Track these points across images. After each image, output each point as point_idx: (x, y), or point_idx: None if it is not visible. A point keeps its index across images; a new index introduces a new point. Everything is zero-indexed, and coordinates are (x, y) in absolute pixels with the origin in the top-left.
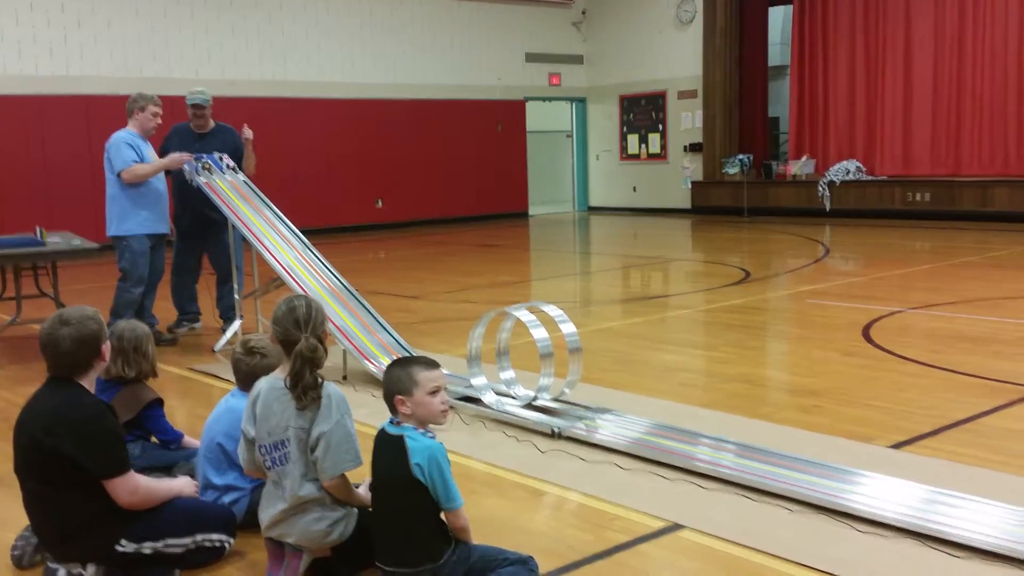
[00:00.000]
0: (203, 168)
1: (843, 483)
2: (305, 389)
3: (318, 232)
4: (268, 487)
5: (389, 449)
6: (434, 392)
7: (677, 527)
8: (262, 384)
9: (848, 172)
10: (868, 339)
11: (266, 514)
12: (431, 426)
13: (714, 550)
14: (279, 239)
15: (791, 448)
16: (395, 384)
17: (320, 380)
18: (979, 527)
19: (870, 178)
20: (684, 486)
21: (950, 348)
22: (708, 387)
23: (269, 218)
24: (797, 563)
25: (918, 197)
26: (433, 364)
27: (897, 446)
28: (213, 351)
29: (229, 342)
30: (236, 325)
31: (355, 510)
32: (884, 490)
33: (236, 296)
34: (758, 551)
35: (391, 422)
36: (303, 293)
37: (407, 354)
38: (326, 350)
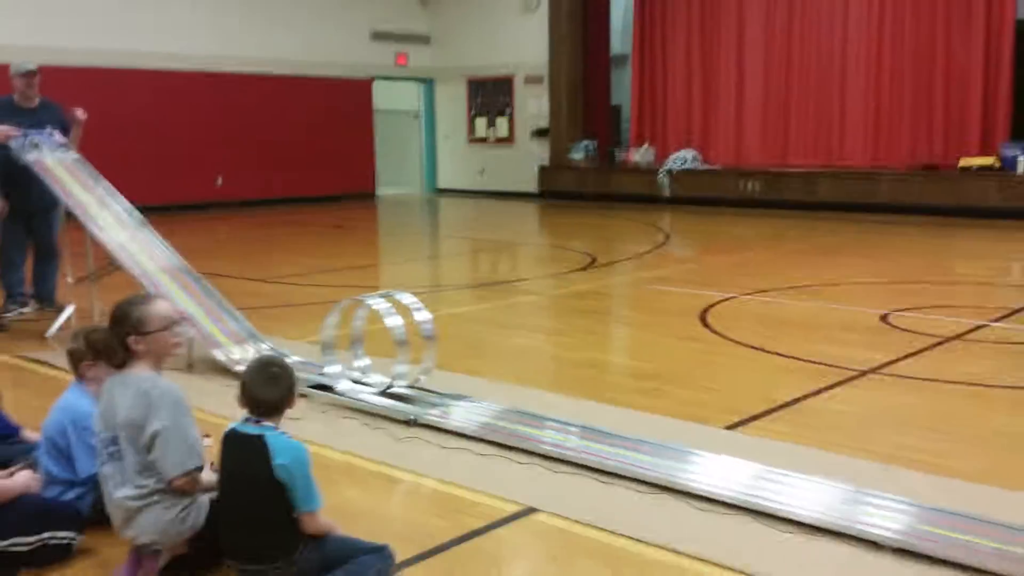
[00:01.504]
0: (32, 145)
1: (681, 463)
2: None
3: (153, 209)
4: (108, 485)
5: (244, 448)
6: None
7: (531, 511)
8: (113, 376)
9: (686, 161)
10: (704, 324)
11: (114, 514)
12: (283, 424)
13: (567, 532)
14: (112, 219)
15: (634, 430)
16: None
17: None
18: (805, 503)
19: (706, 167)
20: (536, 470)
21: (779, 332)
22: (556, 371)
23: (101, 196)
24: (646, 543)
25: (749, 186)
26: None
27: (730, 427)
28: (45, 337)
29: (62, 327)
30: (70, 310)
31: (204, 498)
32: (719, 469)
33: (69, 279)
34: (609, 532)
35: (244, 421)
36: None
37: (258, 341)
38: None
